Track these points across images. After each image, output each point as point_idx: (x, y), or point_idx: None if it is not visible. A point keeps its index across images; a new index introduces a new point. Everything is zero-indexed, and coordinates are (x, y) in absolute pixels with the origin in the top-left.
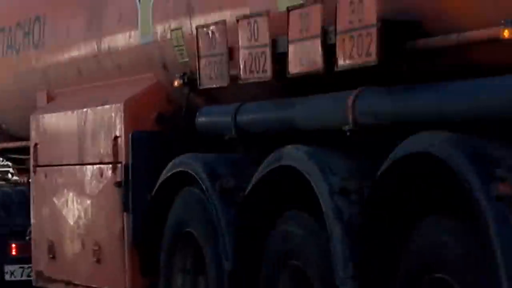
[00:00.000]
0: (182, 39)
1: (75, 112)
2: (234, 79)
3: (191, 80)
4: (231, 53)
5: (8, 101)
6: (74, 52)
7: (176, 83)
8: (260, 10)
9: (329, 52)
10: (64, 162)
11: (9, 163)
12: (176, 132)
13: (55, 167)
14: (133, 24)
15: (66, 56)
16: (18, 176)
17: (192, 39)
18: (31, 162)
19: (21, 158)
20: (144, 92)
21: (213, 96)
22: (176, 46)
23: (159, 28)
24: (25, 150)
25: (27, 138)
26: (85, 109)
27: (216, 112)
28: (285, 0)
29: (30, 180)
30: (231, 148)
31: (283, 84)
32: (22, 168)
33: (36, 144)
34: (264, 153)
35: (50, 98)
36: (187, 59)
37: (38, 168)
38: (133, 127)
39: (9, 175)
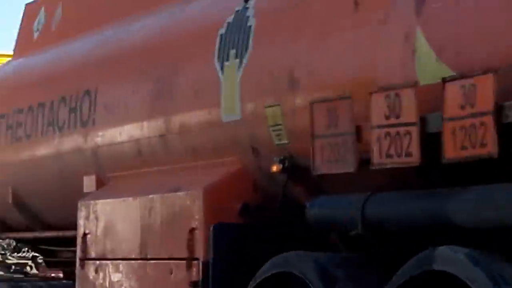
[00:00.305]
0: (281, 118)
1: (137, 199)
2: (362, 164)
3: (291, 165)
4: (358, 133)
5: (45, 185)
6: (134, 131)
7: (275, 168)
8: (391, 82)
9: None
10: (122, 256)
11: (35, 254)
12: (265, 226)
13: (110, 261)
14: (214, 99)
15: (123, 135)
16: (38, 270)
17: (294, 116)
18: (78, 254)
19: (52, 250)
20: (227, 179)
21: (318, 184)
22: (273, 125)
23: (249, 105)
24: (58, 241)
25: (65, 227)
26: (150, 196)
27: (336, 203)
28: (427, 70)
29: (76, 275)
30: (335, 246)
31: (429, 171)
32: (51, 261)
33: (85, 234)
34: (393, 254)
35: (100, 183)
36: (286, 141)
37: (87, 262)
38: (213, 219)
39: (28, 268)
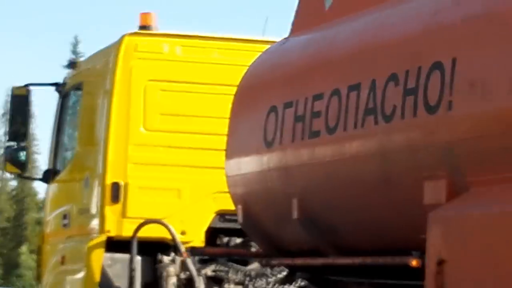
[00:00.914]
0: None
1: None
2: None
3: None
4: None
5: (355, 195)
6: None
7: None
8: None
9: None
10: None
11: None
12: None
13: None
14: None
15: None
16: None
17: None
18: None
19: (343, 282)
20: None
21: None
22: None
23: None
24: (351, 270)
25: (372, 251)
26: None
27: None
28: None
29: None
30: None
31: None
32: None
33: (441, 261)
34: None
35: (452, 191)
36: None
37: None
38: None
39: None
